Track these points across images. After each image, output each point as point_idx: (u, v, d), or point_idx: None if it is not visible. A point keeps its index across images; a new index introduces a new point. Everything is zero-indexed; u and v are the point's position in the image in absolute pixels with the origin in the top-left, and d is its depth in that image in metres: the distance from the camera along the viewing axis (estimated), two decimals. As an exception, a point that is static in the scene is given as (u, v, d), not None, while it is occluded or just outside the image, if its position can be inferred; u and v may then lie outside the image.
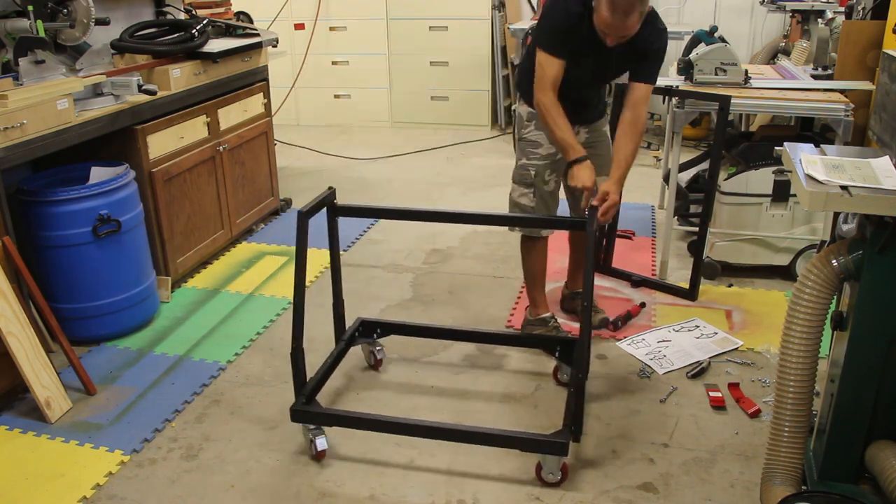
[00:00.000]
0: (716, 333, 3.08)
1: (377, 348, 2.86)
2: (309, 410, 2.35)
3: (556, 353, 2.71)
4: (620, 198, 2.56)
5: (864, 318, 1.83)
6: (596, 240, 2.67)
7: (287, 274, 3.70)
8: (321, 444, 2.35)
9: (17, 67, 2.85)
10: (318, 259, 3.82)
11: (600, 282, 3.51)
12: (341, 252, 3.92)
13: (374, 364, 2.86)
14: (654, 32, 2.54)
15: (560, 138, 2.57)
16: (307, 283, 3.56)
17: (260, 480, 2.29)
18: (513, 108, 3.06)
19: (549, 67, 2.53)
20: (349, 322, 2.82)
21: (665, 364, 2.86)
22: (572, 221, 2.71)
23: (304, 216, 2.30)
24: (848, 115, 3.09)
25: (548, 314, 3.01)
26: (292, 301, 2.36)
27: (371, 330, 2.85)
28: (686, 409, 2.60)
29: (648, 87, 2.62)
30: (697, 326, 3.14)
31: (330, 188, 2.55)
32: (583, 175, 2.54)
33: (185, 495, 2.24)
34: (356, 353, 2.89)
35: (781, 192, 3.35)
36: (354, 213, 2.67)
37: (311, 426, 2.36)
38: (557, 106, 2.55)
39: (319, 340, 3.01)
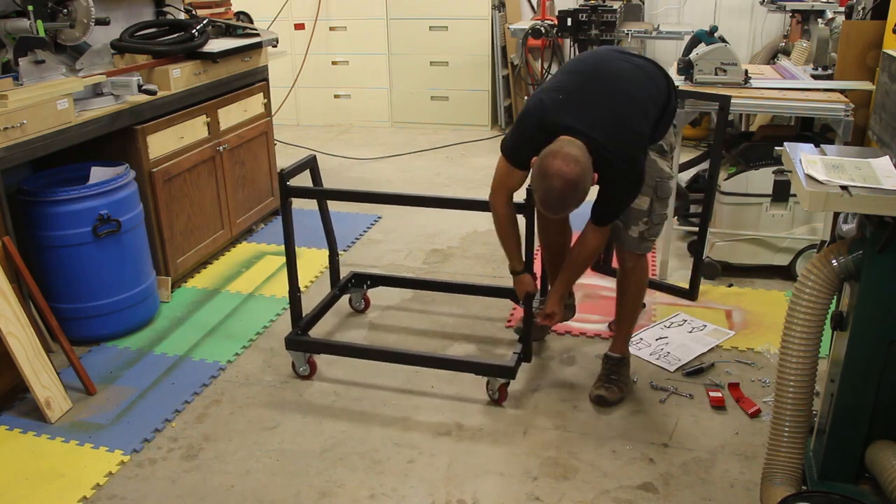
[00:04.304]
0: (705, 326, 3.11)
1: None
2: (302, 339, 2.79)
3: None
4: (562, 309, 2.64)
5: (864, 318, 1.83)
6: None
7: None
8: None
9: (17, 67, 2.85)
10: (318, 259, 3.81)
11: (600, 281, 3.51)
12: (341, 252, 3.94)
13: (363, 308, 3.33)
14: (616, 178, 2.29)
15: (505, 248, 2.60)
16: (307, 284, 3.58)
17: (260, 480, 2.29)
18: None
19: (507, 177, 2.45)
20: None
21: (672, 361, 2.86)
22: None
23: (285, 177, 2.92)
24: (848, 115, 3.08)
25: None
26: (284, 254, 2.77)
27: (362, 281, 3.31)
28: (686, 409, 2.60)
29: (596, 229, 2.42)
30: (685, 321, 3.15)
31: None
32: (520, 287, 2.64)
33: (185, 495, 2.24)
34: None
35: (781, 192, 3.35)
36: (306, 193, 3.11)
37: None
38: (509, 216, 2.52)
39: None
